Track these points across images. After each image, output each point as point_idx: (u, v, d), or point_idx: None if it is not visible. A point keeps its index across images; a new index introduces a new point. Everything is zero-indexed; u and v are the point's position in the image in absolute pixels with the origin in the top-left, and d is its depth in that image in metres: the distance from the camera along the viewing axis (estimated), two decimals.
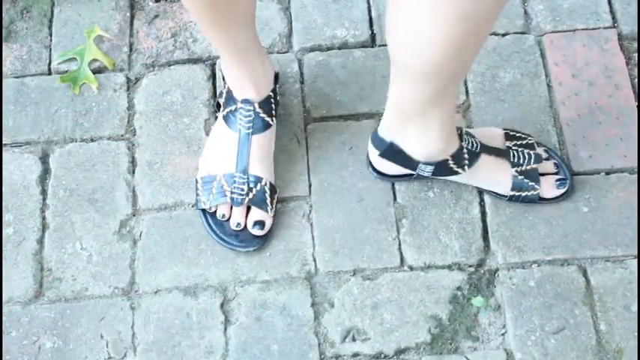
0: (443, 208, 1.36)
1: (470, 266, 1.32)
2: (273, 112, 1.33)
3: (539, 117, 1.42)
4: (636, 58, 1.47)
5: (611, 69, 1.45)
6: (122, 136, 1.43)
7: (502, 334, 1.28)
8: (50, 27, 1.53)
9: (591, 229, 1.33)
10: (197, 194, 1.34)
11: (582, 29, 1.49)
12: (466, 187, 1.37)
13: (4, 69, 1.49)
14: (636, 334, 1.26)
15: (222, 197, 1.31)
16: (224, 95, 1.33)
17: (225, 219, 1.32)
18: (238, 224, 1.31)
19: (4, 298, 1.31)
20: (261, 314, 1.29)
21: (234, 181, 1.30)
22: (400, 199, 1.37)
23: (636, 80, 1.45)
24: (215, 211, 1.33)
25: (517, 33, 1.50)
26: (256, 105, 1.31)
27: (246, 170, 1.31)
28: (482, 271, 1.32)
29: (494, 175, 1.31)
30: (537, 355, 1.25)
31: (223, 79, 1.33)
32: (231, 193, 1.30)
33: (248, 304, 1.30)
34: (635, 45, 1.48)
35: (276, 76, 1.35)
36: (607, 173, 1.38)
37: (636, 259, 1.31)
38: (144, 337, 1.28)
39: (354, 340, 1.28)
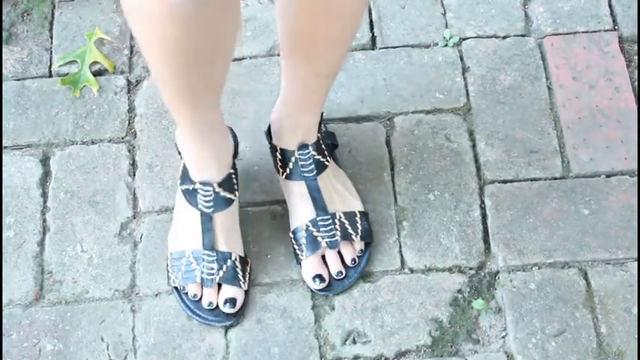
0: (443, 210, 1.36)
1: (470, 269, 1.32)
2: (235, 186, 1.27)
3: (540, 119, 1.42)
4: (637, 61, 1.47)
5: (612, 72, 1.45)
6: (123, 138, 1.43)
7: (503, 337, 1.27)
8: (51, 29, 1.53)
9: (592, 231, 1.33)
10: (167, 271, 1.29)
11: (583, 32, 1.49)
12: (467, 190, 1.37)
13: (4, 71, 1.49)
14: (637, 336, 1.26)
15: (191, 277, 1.25)
16: (180, 169, 1.27)
17: (197, 299, 1.27)
18: (210, 303, 1.26)
19: (5, 300, 1.31)
20: (262, 317, 1.29)
21: (203, 259, 1.25)
22: (400, 202, 1.37)
23: (637, 83, 1.45)
24: (187, 291, 1.28)
25: (517, 36, 1.50)
26: (216, 185, 1.24)
27: (214, 247, 1.26)
28: (482, 274, 1.31)
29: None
30: (538, 358, 1.25)
31: (179, 153, 1.27)
32: (201, 273, 1.25)
33: (248, 307, 1.30)
34: (636, 47, 1.48)
35: (236, 148, 1.30)
36: (607, 176, 1.38)
37: (637, 262, 1.31)
38: (144, 339, 1.28)
39: (354, 342, 1.27)
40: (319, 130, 1.30)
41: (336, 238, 1.28)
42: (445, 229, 1.34)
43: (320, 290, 1.29)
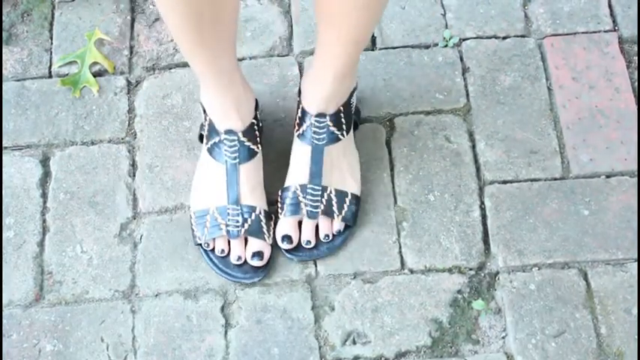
0: (443, 211, 1.36)
1: (470, 269, 1.32)
2: (258, 139, 1.31)
3: (540, 120, 1.42)
4: (637, 62, 1.47)
5: (612, 72, 1.45)
6: (123, 139, 1.43)
7: (502, 338, 1.28)
8: (51, 30, 1.53)
9: (592, 232, 1.33)
10: (192, 230, 1.32)
11: (583, 32, 1.50)
12: (467, 190, 1.37)
13: (4, 72, 1.49)
14: (637, 337, 1.26)
15: (217, 230, 1.28)
16: (206, 128, 1.31)
17: (225, 254, 1.30)
18: (239, 258, 1.29)
19: (5, 301, 1.31)
20: (262, 317, 1.29)
21: (228, 214, 1.28)
22: (400, 202, 1.37)
23: (637, 83, 1.45)
24: (213, 248, 1.30)
25: (517, 36, 1.50)
26: (240, 134, 1.29)
27: (239, 201, 1.29)
28: (482, 275, 1.32)
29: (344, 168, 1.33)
30: (538, 359, 1.25)
31: (204, 112, 1.31)
32: (227, 225, 1.28)
33: (248, 307, 1.30)
34: (636, 48, 1.48)
35: (257, 103, 1.33)
36: (607, 176, 1.38)
37: (637, 263, 1.31)
38: (144, 340, 1.28)
39: (354, 343, 1.27)
40: (346, 105, 1.31)
41: (317, 211, 1.29)
42: (445, 230, 1.34)
43: (286, 251, 1.30)
